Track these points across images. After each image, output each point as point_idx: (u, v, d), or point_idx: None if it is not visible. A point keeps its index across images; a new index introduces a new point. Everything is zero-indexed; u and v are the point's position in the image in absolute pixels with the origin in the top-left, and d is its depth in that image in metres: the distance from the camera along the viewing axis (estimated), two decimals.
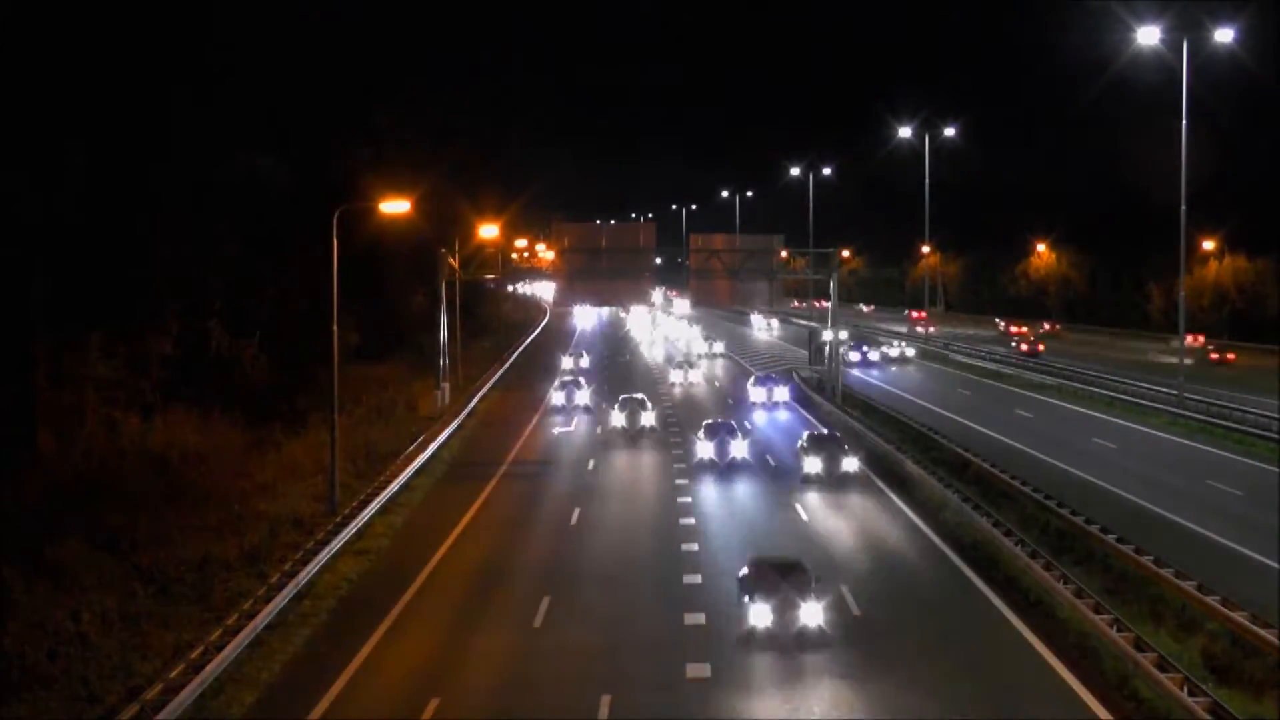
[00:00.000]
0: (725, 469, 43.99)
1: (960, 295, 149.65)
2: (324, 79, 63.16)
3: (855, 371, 79.17)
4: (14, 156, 38.95)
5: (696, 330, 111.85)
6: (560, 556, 32.77)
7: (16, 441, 37.60)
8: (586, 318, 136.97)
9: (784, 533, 34.80)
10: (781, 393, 63.19)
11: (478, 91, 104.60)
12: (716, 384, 75.00)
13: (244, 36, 52.62)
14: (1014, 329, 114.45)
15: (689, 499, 39.61)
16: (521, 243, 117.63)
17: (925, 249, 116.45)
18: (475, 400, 63.76)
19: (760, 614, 24.70)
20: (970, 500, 35.59)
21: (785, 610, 24.57)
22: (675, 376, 75.89)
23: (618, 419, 52.76)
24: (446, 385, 63.24)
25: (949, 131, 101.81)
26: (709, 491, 41.12)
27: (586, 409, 60.57)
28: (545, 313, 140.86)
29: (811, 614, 24.60)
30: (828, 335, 65.33)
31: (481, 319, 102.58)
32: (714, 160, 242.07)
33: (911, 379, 79.59)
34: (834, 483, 40.87)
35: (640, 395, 55.21)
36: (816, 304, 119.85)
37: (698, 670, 23.33)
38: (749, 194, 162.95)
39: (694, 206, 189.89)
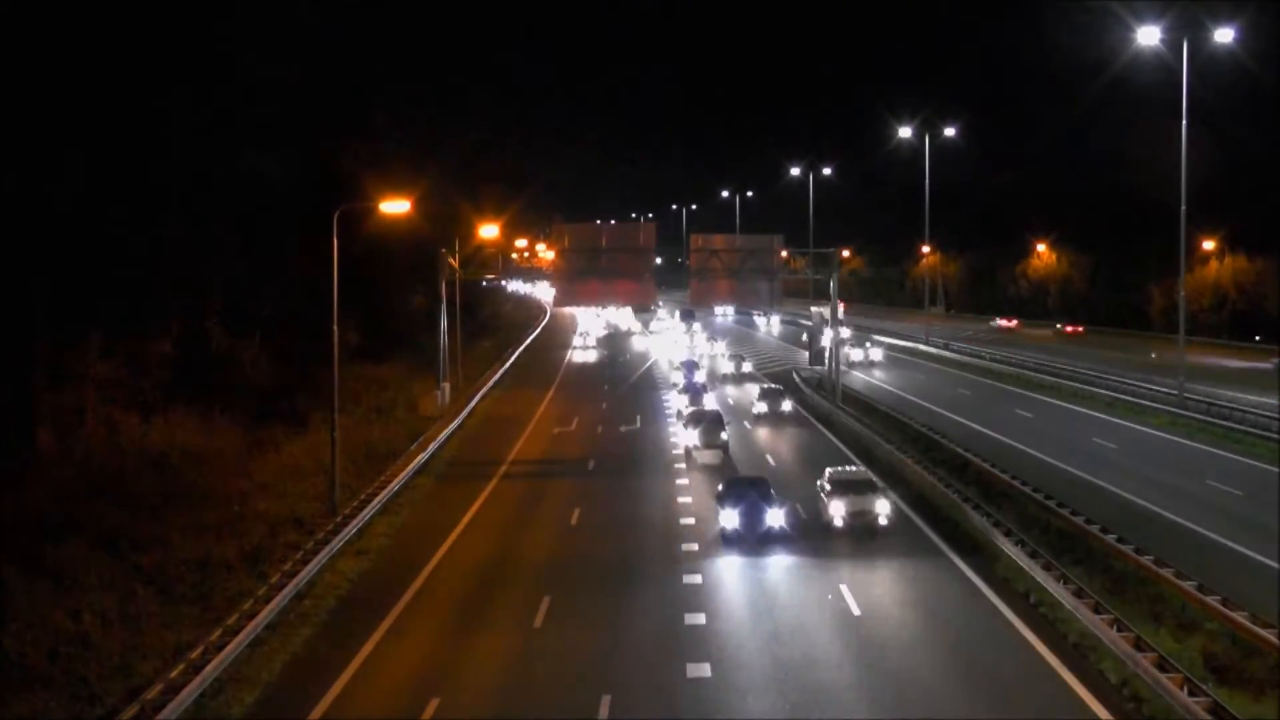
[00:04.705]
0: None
1: (960, 295, 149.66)
2: (324, 79, 63.14)
3: None
4: (14, 156, 38.90)
5: None
6: (560, 556, 32.77)
7: (16, 441, 37.57)
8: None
9: None
10: None
11: (478, 91, 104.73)
12: None
13: (244, 36, 52.60)
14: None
15: (689, 499, 39.61)
16: (522, 243, 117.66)
17: (925, 249, 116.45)
18: (476, 400, 63.78)
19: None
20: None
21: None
22: None
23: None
24: (447, 385, 63.24)
25: (949, 131, 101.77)
26: (707, 489, 41.10)
27: None
28: (545, 313, 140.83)
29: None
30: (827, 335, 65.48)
31: (481, 319, 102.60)
32: (714, 160, 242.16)
33: None
34: None
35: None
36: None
37: (698, 670, 23.34)
38: (749, 194, 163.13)
39: (694, 206, 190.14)
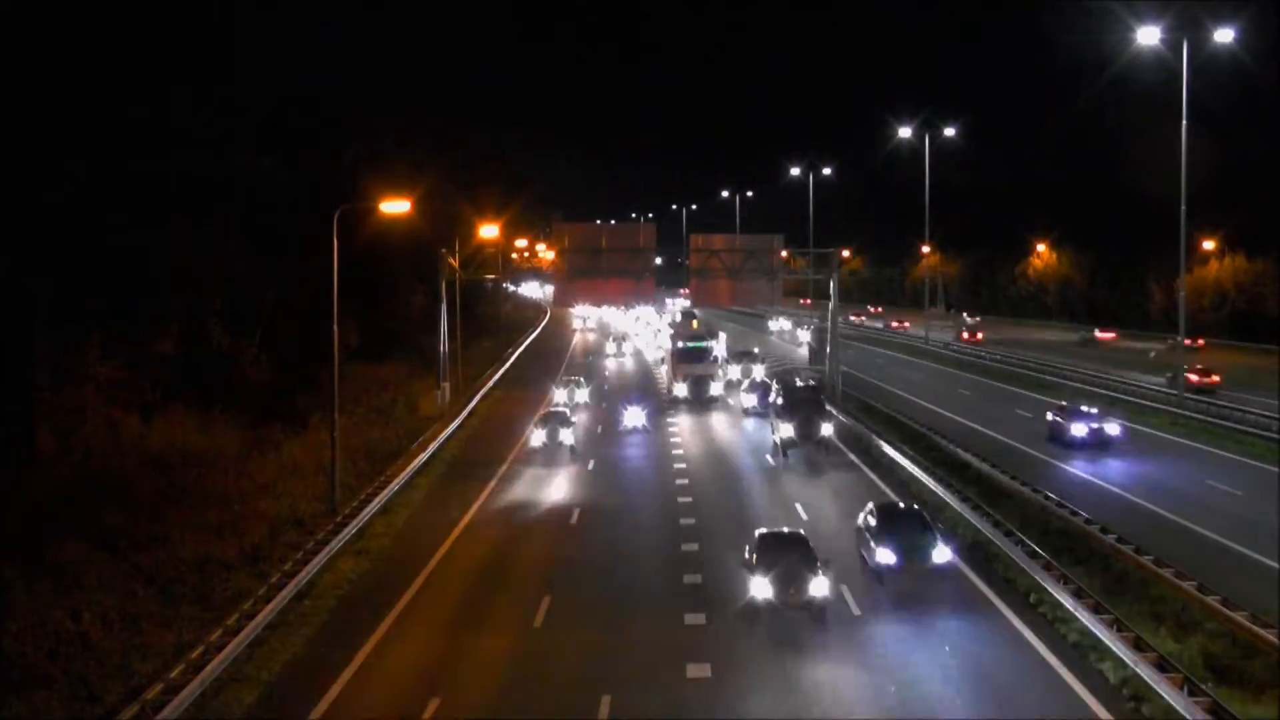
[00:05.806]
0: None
1: (960, 295, 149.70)
2: (325, 80, 63.24)
3: None
4: (14, 156, 38.90)
5: None
6: (560, 556, 32.77)
7: (16, 441, 37.58)
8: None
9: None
10: None
11: (478, 92, 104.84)
12: None
13: (245, 37, 52.66)
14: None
15: (689, 499, 39.61)
16: (522, 243, 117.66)
17: (925, 249, 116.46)
18: (476, 400, 63.77)
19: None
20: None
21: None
22: None
23: None
24: (447, 385, 63.26)
25: (949, 131, 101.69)
26: (707, 492, 41.12)
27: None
28: (545, 313, 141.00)
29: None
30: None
31: (481, 319, 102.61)
32: (714, 160, 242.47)
33: None
34: None
35: None
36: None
37: (698, 670, 23.34)
38: (749, 194, 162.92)
39: (694, 206, 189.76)
